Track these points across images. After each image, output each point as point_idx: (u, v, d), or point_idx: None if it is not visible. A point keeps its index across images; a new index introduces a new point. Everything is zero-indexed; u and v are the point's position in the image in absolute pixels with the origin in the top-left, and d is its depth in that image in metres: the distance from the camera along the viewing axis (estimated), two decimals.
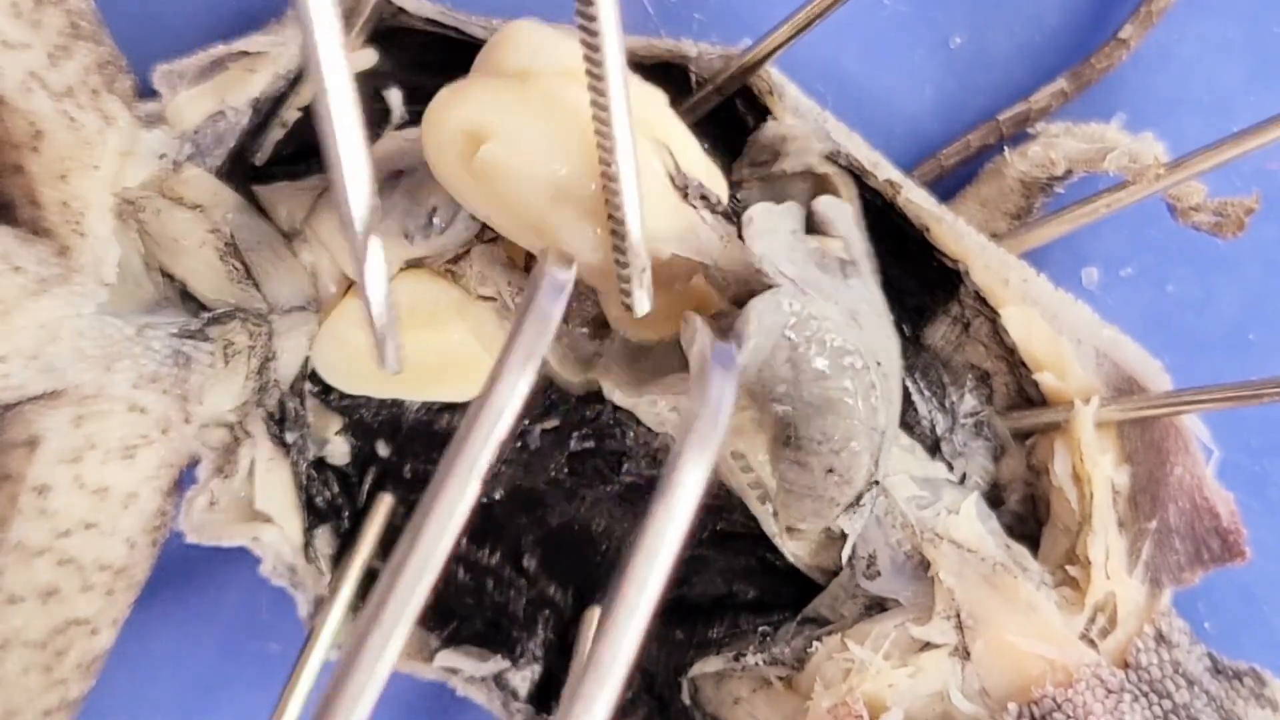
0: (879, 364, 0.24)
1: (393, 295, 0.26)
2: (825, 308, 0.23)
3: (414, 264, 0.26)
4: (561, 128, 0.23)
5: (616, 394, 0.26)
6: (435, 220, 0.26)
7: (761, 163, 0.26)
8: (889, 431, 0.24)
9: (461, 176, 0.23)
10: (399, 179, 0.26)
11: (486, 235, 0.27)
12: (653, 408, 0.26)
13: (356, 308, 0.27)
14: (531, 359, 0.19)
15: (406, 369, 0.26)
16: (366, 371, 0.27)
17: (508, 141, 0.23)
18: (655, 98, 0.25)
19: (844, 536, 0.26)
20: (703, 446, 0.19)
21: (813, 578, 0.27)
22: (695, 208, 0.23)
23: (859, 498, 0.25)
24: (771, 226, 0.23)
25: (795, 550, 0.26)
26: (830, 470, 0.24)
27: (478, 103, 0.23)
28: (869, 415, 0.23)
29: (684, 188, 0.23)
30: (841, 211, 0.24)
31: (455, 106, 0.23)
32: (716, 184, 0.25)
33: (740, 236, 0.23)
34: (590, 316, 0.27)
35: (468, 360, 0.26)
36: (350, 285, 0.27)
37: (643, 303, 0.23)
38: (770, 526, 0.26)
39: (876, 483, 0.25)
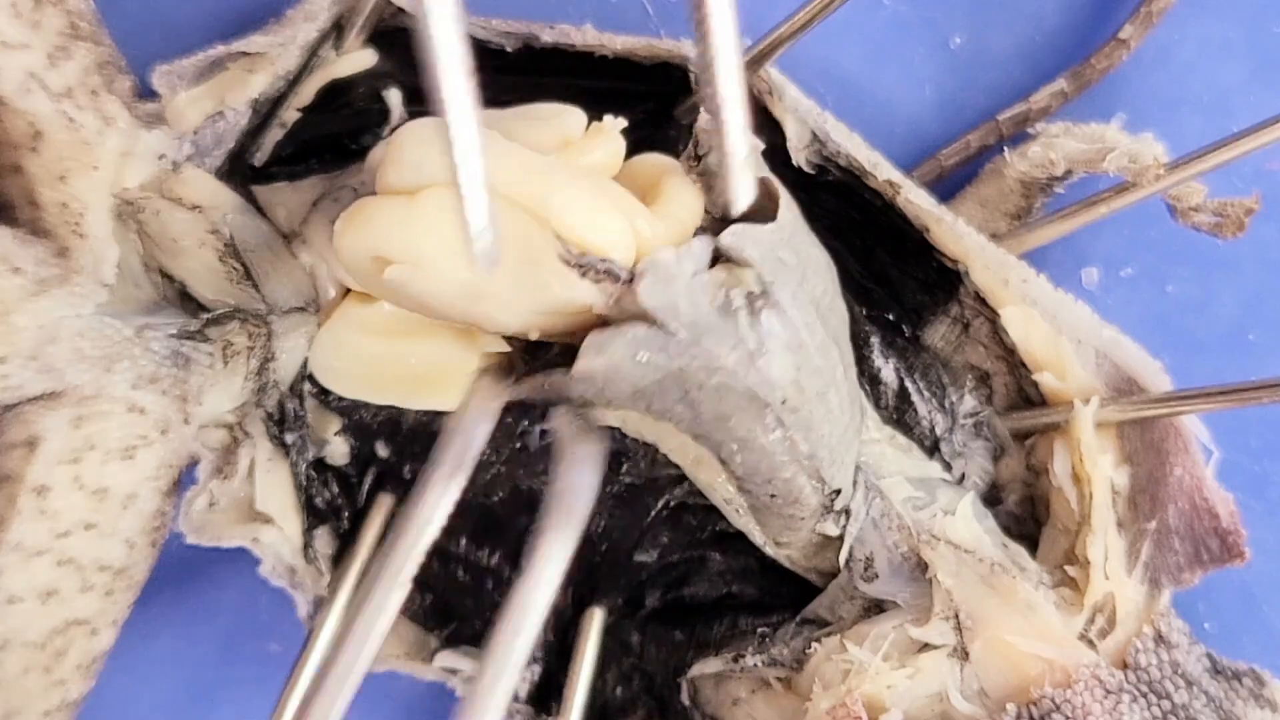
0: (784, 401, 0.23)
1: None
2: (720, 356, 0.23)
3: None
4: (455, 236, 0.22)
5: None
6: None
7: (700, 156, 0.26)
8: (829, 444, 0.24)
9: (382, 291, 0.24)
10: None
11: None
12: (638, 425, 0.26)
13: (355, 311, 0.27)
14: (457, 475, 0.21)
15: (398, 378, 0.26)
16: (363, 376, 0.27)
17: (409, 261, 0.23)
18: (537, 166, 0.24)
19: (840, 539, 0.26)
20: (564, 528, 0.21)
21: (810, 580, 0.27)
22: (596, 280, 0.23)
23: (828, 507, 0.25)
24: (668, 275, 0.23)
25: (787, 555, 0.26)
26: (773, 496, 0.24)
27: (372, 230, 0.23)
28: (786, 449, 0.24)
29: (580, 266, 0.23)
30: (754, 238, 0.23)
31: (353, 237, 0.23)
32: (635, 214, 0.24)
33: (634, 287, 0.23)
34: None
35: (459, 368, 0.26)
36: (348, 291, 0.27)
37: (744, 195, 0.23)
38: (757, 537, 0.26)
39: (838, 491, 0.25)
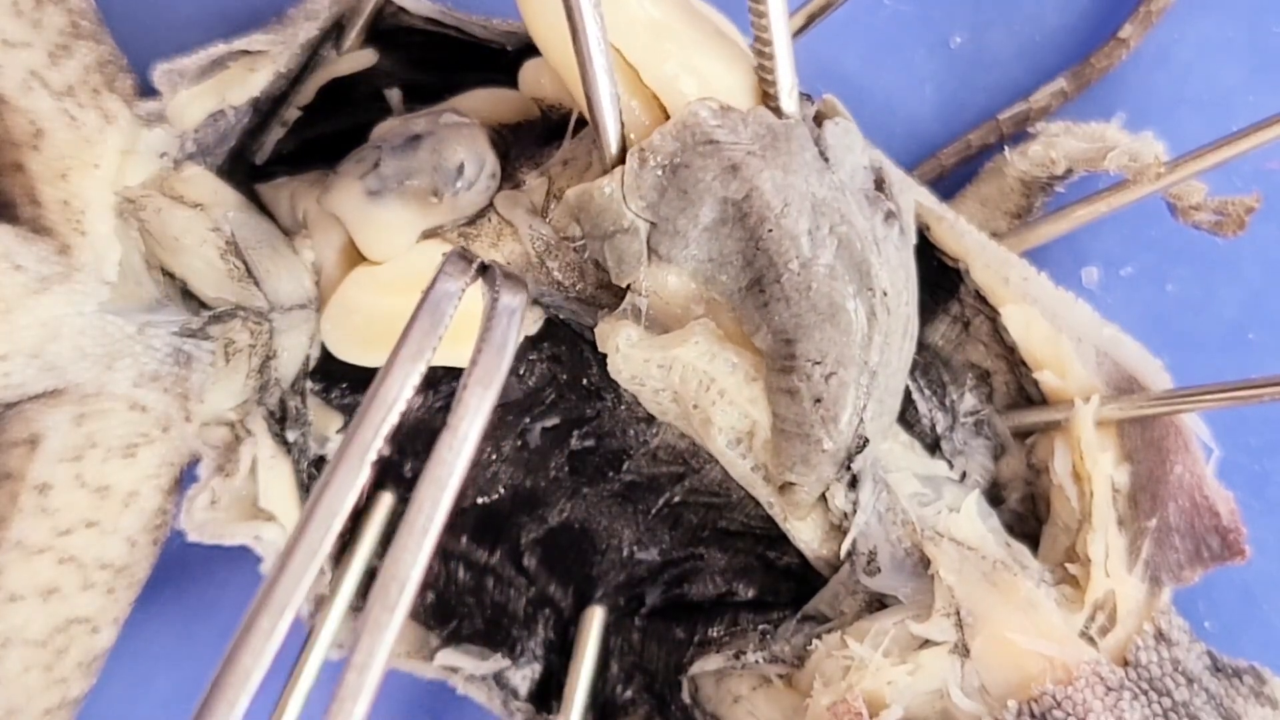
0: (885, 294, 0.24)
1: (410, 263, 0.26)
2: (858, 218, 0.24)
3: (429, 235, 0.26)
4: None
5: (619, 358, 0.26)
6: (463, 176, 0.26)
7: None
8: (881, 383, 0.24)
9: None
10: (419, 141, 0.26)
11: (507, 184, 0.27)
12: (656, 396, 0.26)
13: (364, 274, 0.26)
14: (423, 353, 0.21)
15: None
16: (380, 336, 0.26)
17: None
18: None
19: (845, 529, 0.26)
20: (488, 383, 0.21)
21: (819, 570, 0.27)
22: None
23: (850, 459, 0.25)
24: (850, 144, 0.24)
25: (802, 535, 0.26)
26: (818, 400, 0.24)
27: None
28: (863, 341, 0.24)
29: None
30: (904, 188, 0.25)
31: None
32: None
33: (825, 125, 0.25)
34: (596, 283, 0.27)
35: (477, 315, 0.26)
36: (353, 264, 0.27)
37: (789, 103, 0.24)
38: (777, 509, 0.26)
39: (866, 441, 0.25)
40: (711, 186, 0.24)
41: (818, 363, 0.24)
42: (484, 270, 0.22)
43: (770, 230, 0.23)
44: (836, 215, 0.24)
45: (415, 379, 0.20)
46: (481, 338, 0.21)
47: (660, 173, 0.24)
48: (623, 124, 0.24)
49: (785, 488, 0.25)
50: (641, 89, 0.24)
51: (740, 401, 0.25)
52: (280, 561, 0.19)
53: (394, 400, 0.20)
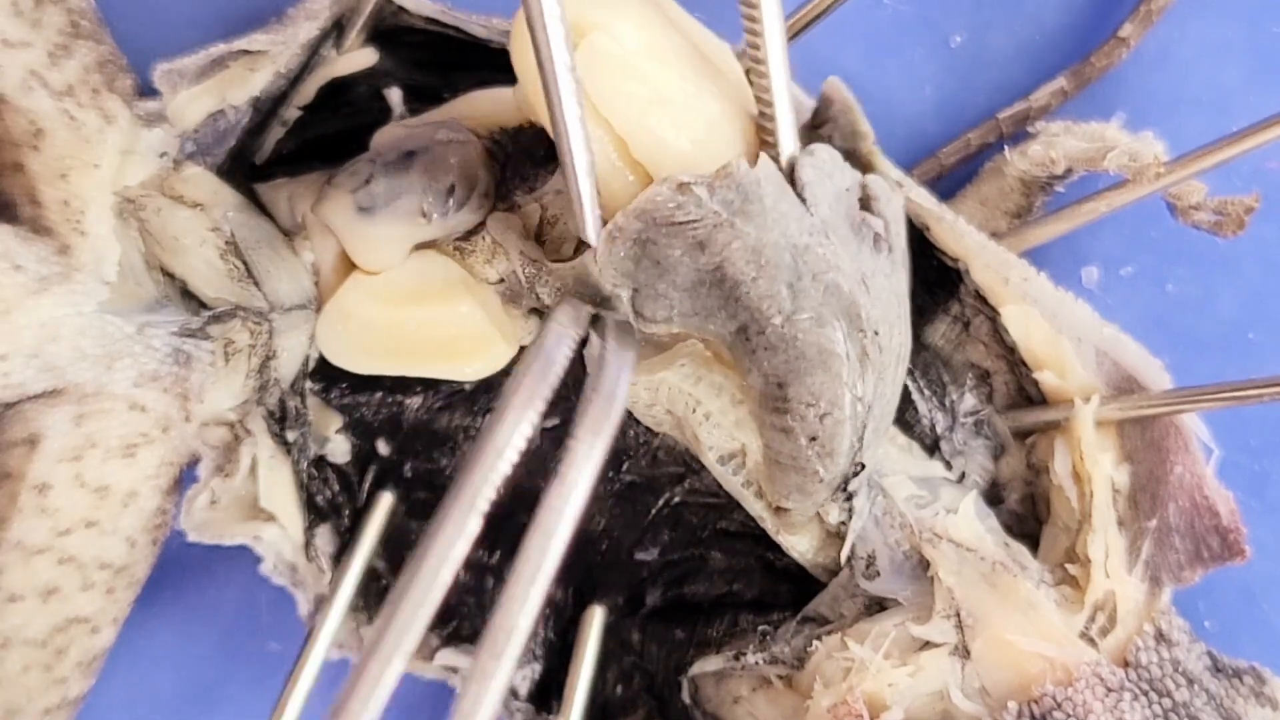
0: (876, 333, 0.24)
1: (403, 275, 0.26)
2: (841, 257, 0.24)
3: (424, 246, 0.26)
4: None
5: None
6: (453, 197, 0.26)
7: (820, 124, 0.26)
8: (876, 412, 0.24)
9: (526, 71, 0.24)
10: (412, 159, 0.26)
11: (501, 204, 0.27)
12: (649, 411, 0.26)
13: (363, 281, 0.26)
14: (534, 401, 0.21)
15: (414, 343, 0.26)
16: (374, 346, 0.27)
17: (609, 30, 0.23)
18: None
19: (842, 535, 0.26)
20: (600, 433, 0.21)
21: (816, 576, 0.27)
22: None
23: (845, 482, 0.25)
24: (829, 171, 0.24)
25: (797, 546, 0.26)
26: (813, 439, 0.24)
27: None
28: (854, 381, 0.24)
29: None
30: (890, 196, 0.25)
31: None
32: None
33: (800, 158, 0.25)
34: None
35: (476, 334, 0.26)
36: (349, 271, 0.27)
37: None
38: (770, 524, 0.26)
39: (862, 466, 0.25)
40: (682, 261, 0.23)
41: (811, 405, 0.24)
42: (595, 320, 0.22)
43: (746, 291, 0.23)
44: (821, 263, 0.23)
45: (527, 428, 0.20)
46: (592, 386, 0.21)
47: (631, 246, 0.23)
48: (599, 194, 0.24)
49: (780, 510, 0.26)
50: (632, 160, 0.24)
51: (726, 425, 0.25)
52: (388, 612, 0.19)
53: (504, 447, 0.20)
